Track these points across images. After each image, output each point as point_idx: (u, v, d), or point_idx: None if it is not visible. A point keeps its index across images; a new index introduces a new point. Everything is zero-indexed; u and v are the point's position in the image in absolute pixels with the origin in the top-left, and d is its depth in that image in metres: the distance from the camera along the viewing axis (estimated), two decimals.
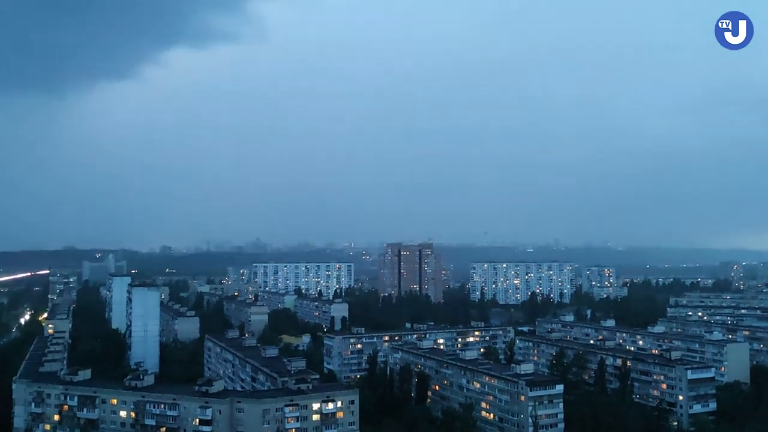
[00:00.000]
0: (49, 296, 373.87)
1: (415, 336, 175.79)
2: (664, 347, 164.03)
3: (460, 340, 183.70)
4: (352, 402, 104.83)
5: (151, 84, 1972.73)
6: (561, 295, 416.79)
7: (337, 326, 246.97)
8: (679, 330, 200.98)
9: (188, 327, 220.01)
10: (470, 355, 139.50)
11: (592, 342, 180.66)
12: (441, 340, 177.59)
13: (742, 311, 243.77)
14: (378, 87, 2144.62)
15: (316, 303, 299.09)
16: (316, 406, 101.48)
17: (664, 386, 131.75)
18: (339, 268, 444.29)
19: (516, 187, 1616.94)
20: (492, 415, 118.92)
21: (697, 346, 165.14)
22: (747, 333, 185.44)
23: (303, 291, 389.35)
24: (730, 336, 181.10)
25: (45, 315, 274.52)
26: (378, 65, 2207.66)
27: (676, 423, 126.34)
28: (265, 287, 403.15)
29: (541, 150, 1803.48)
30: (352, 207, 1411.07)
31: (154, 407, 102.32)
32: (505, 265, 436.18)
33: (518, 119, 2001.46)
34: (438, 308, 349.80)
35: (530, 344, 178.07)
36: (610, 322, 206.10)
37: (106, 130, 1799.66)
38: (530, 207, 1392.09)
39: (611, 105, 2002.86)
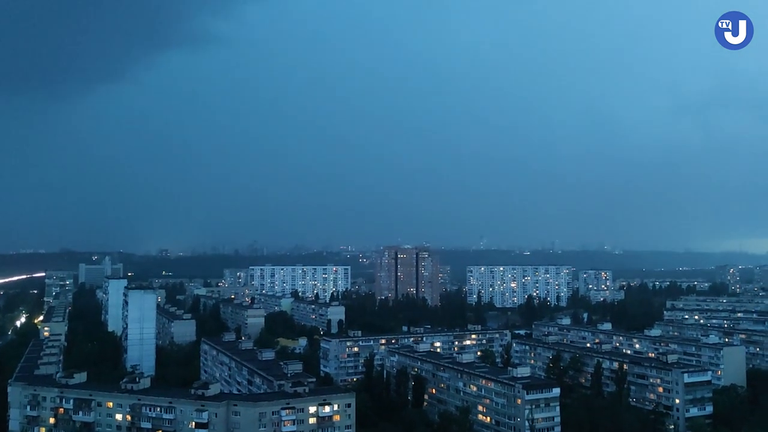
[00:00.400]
0: (45, 299, 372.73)
1: (412, 339, 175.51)
2: (660, 350, 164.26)
3: (456, 343, 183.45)
4: (349, 405, 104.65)
5: (146, 86, 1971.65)
6: (558, 298, 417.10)
7: (334, 329, 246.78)
8: (676, 333, 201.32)
9: (184, 330, 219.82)
10: (467, 358, 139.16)
11: (588, 345, 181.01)
12: (438, 344, 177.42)
13: (739, 315, 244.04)
14: (373, 90, 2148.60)
15: (313, 306, 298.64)
16: (312, 409, 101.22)
17: (660, 389, 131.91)
18: (336, 271, 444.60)
19: (513, 190, 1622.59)
20: (489, 418, 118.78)
21: (694, 349, 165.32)
22: (743, 336, 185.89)
23: (300, 294, 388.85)
24: (726, 339, 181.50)
25: (41, 318, 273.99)
26: (372, 68, 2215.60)
27: (672, 426, 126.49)
28: (261, 290, 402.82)
29: (537, 153, 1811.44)
30: (349, 210, 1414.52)
31: (150, 410, 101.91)
32: (501, 269, 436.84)
33: (515, 122, 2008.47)
34: (435, 311, 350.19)
35: (527, 347, 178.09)
36: (607, 326, 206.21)
37: (102, 133, 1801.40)
38: (527, 210, 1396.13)
39: (609, 107, 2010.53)
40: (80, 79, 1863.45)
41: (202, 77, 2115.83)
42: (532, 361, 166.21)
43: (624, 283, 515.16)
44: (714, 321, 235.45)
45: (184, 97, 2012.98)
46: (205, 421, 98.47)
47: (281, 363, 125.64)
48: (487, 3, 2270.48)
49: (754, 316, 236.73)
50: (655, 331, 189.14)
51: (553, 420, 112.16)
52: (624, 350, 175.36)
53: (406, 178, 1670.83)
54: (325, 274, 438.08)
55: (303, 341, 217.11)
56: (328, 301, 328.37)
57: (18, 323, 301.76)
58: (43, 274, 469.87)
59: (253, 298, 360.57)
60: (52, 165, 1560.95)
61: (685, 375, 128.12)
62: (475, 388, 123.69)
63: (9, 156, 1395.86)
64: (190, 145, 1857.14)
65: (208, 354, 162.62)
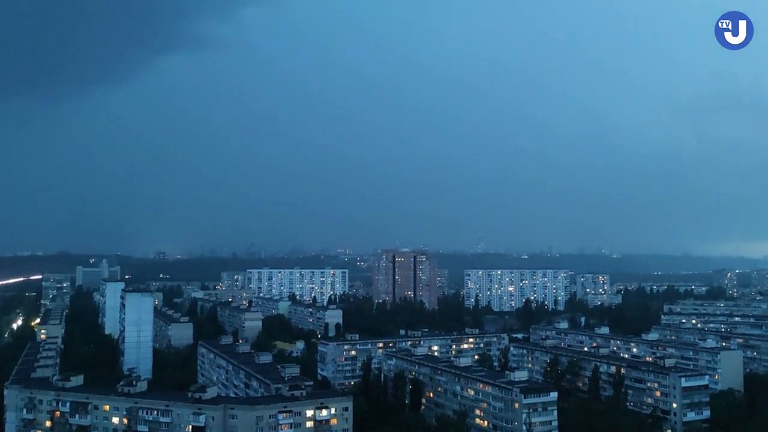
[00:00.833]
0: (42, 301, 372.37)
1: (410, 343, 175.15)
2: (658, 355, 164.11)
3: (454, 347, 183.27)
4: (346, 409, 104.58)
5: (146, 90, 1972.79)
6: (555, 302, 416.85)
7: (332, 332, 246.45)
8: (673, 337, 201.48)
9: (182, 333, 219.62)
10: (464, 362, 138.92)
11: (586, 349, 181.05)
12: (435, 347, 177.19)
13: (736, 319, 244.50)
14: (371, 94, 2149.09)
15: (311, 309, 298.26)
16: (309, 412, 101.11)
17: (658, 394, 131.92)
18: (333, 274, 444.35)
19: (510, 194, 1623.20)
20: (486, 422, 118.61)
21: (691, 353, 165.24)
22: (741, 341, 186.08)
23: (297, 297, 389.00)
24: (723, 344, 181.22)
25: (37, 320, 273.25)
26: (369, 73, 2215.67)
27: (669, 430, 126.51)
28: (259, 293, 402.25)
29: (535, 157, 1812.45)
30: (347, 213, 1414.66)
31: (146, 413, 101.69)
32: (499, 272, 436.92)
33: (512, 127, 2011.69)
34: (432, 315, 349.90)
35: (524, 351, 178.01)
36: (604, 330, 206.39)
37: (100, 135, 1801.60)
38: (525, 214, 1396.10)
39: (606, 111, 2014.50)
40: (79, 81, 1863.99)
41: (200, 80, 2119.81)
42: (530, 365, 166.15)
43: (621, 287, 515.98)
44: (711, 325, 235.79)
45: (182, 99, 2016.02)
46: (202, 424, 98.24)
47: (278, 366, 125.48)
48: (483, 11, 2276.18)
49: (752, 320, 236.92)
50: (653, 335, 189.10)
51: (551, 424, 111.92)
52: (621, 354, 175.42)
53: (404, 181, 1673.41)
54: (323, 277, 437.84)
55: (300, 344, 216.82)
56: (325, 305, 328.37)
57: (15, 326, 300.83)
58: (40, 276, 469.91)
59: (250, 302, 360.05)
60: (50, 167, 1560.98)
61: (683, 379, 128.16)
62: (472, 392, 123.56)
63: (7, 158, 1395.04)
64: (187, 148, 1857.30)
65: (206, 357, 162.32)
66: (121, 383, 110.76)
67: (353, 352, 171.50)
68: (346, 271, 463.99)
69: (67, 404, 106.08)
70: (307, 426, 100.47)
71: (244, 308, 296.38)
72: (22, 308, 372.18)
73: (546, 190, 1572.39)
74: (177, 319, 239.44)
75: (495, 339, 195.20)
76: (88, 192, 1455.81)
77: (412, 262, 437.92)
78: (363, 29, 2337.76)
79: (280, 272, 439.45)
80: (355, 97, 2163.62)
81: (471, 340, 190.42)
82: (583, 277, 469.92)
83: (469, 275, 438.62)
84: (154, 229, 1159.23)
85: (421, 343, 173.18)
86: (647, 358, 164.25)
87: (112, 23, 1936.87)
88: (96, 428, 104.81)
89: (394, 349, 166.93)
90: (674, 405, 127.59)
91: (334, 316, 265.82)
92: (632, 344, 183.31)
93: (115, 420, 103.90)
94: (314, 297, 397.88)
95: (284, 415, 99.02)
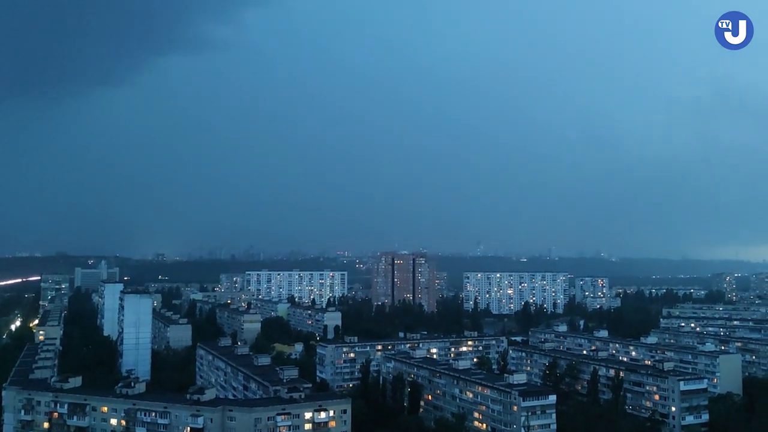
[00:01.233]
0: (41, 302, 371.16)
1: (408, 345, 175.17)
2: (656, 358, 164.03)
3: (453, 349, 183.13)
4: (345, 411, 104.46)
5: (146, 90, 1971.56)
6: (554, 305, 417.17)
7: (330, 335, 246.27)
8: (672, 341, 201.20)
9: (180, 334, 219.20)
10: (463, 364, 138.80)
11: (585, 352, 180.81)
12: (434, 350, 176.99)
13: (735, 323, 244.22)
14: (371, 93, 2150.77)
15: (309, 311, 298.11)
16: (308, 415, 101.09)
17: (656, 397, 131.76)
18: (332, 276, 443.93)
19: (510, 197, 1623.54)
20: (485, 425, 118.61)
21: (690, 357, 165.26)
22: (739, 344, 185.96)
23: (296, 299, 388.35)
24: (722, 347, 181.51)
25: (36, 321, 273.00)
26: (370, 74, 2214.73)
27: None
28: (258, 295, 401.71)
29: (535, 158, 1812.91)
30: (346, 215, 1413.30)
31: (144, 415, 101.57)
32: (498, 275, 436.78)
33: (513, 126, 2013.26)
34: (431, 317, 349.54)
35: (523, 354, 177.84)
36: (603, 333, 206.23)
37: (99, 136, 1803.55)
38: (524, 217, 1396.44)
39: (605, 114, 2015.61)
40: (78, 82, 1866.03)
41: (201, 81, 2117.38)
42: (529, 368, 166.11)
43: (620, 290, 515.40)
44: (710, 329, 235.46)
45: (182, 101, 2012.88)
46: (201, 426, 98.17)
47: (277, 368, 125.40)
48: (483, 11, 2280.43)
49: (750, 324, 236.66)
50: (652, 339, 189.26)
51: (549, 427, 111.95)
52: (620, 358, 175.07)
53: (403, 182, 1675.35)
54: (322, 279, 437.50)
55: (299, 347, 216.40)
56: (324, 307, 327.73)
57: (13, 327, 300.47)
58: (39, 277, 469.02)
59: (249, 303, 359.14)
60: (48, 168, 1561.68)
61: (681, 383, 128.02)
62: (471, 395, 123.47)
63: (6, 159, 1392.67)
64: (187, 149, 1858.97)
65: (204, 359, 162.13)
66: (120, 385, 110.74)
67: (352, 355, 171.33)
68: (345, 273, 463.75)
69: (65, 405, 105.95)
70: (306, 428, 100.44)
71: (243, 310, 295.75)
72: (20, 309, 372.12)
73: (545, 193, 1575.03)
74: (176, 321, 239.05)
75: (494, 342, 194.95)
76: (87, 193, 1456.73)
77: (411, 264, 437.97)
78: (363, 29, 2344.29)
79: (279, 274, 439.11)
80: (355, 97, 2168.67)
81: (470, 342, 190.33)
82: (582, 280, 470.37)
83: (468, 278, 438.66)
84: (153, 230, 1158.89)
85: (420, 345, 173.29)
86: (646, 362, 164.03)
87: (112, 24, 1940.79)
88: (94, 430, 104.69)
89: (393, 352, 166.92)
90: (673, 408, 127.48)
91: (333, 319, 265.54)
92: (631, 348, 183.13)
93: (114, 421, 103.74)
94: (313, 299, 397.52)
95: (283, 417, 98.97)
